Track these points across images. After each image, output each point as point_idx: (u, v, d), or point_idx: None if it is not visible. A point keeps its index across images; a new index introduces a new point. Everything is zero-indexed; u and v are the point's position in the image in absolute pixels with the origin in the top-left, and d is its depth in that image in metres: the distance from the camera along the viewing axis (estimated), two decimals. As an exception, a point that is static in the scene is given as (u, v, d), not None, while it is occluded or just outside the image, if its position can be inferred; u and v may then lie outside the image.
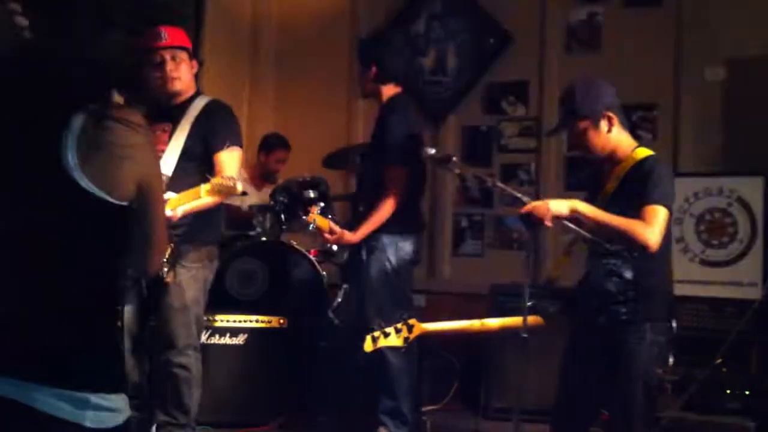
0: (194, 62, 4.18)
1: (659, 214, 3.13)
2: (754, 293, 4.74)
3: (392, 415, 4.42)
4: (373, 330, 3.38)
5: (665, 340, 3.27)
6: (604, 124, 3.34)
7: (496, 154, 6.26)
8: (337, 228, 4.38)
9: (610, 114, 3.33)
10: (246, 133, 6.37)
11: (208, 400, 4.46)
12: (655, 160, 3.27)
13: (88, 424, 1.68)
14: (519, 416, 3.31)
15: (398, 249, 4.47)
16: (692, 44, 5.66)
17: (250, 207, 5.75)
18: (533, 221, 3.21)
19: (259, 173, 6.23)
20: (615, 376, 3.22)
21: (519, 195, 3.31)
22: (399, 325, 3.37)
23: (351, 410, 4.69)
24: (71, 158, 1.66)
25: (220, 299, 4.94)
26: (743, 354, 4.64)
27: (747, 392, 4.36)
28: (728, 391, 4.35)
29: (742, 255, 5.00)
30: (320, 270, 5.27)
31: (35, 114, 1.70)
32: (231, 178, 3.50)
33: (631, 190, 3.23)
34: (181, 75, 4.06)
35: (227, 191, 3.52)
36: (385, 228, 4.44)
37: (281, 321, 4.76)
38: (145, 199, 1.79)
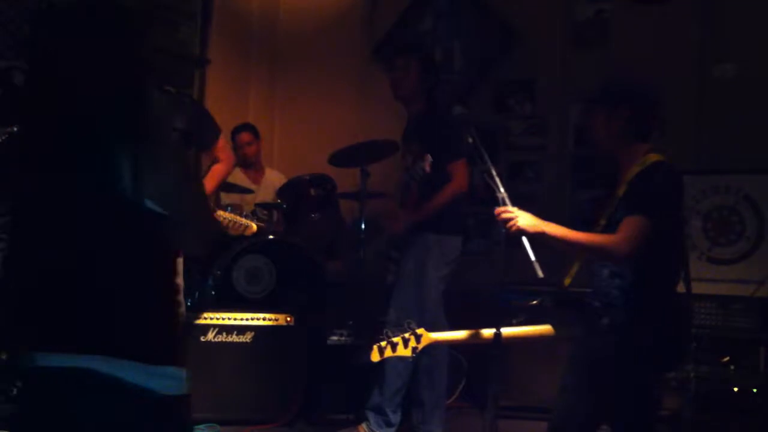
0: None
1: (633, 224, 3.12)
2: (762, 291, 4.73)
3: (376, 411, 4.46)
4: (380, 338, 3.37)
5: (671, 342, 3.26)
6: (613, 120, 3.32)
7: (503, 152, 6.26)
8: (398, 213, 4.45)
9: (626, 111, 3.29)
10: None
11: (215, 398, 4.47)
12: (657, 168, 3.24)
13: (156, 389, 1.99)
14: (496, 413, 3.29)
15: (443, 249, 4.49)
16: (701, 40, 5.64)
17: (257, 204, 5.75)
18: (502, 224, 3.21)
19: (241, 165, 6.20)
20: (619, 379, 3.22)
21: (503, 194, 3.28)
22: (407, 335, 3.35)
23: (359, 408, 4.69)
24: (127, 177, 1.95)
25: (227, 297, 4.96)
26: (751, 352, 4.62)
27: (755, 390, 4.35)
28: (736, 390, 4.34)
29: (749, 253, 4.98)
30: (326, 267, 5.27)
31: (96, 139, 1.97)
32: None
33: (632, 195, 3.23)
34: None
35: None
36: (430, 226, 4.47)
37: (288, 319, 4.77)
38: (179, 200, 2.09)
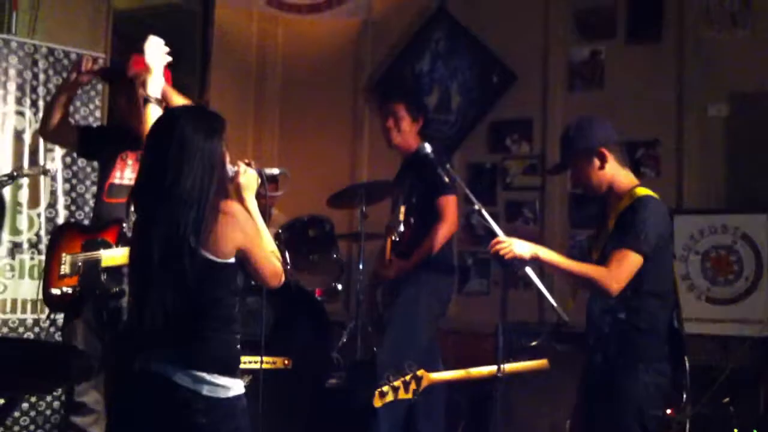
0: None
1: (625, 259, 3.16)
2: (761, 330, 4.73)
3: None
4: (381, 383, 3.37)
5: (665, 381, 3.26)
6: (597, 161, 3.35)
7: (500, 192, 6.28)
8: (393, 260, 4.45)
9: (604, 150, 3.35)
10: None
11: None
12: (644, 203, 3.27)
13: (204, 393, 2.70)
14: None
15: (435, 288, 4.49)
16: (694, 80, 5.68)
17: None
18: (498, 258, 3.22)
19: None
20: (610, 417, 3.21)
21: (494, 227, 3.29)
22: (407, 378, 3.36)
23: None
24: (191, 236, 2.67)
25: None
26: (751, 392, 4.61)
27: (755, 431, 4.33)
28: (736, 430, 4.32)
29: (748, 292, 4.98)
30: (326, 309, 5.25)
31: (172, 209, 2.72)
32: None
33: (620, 230, 3.25)
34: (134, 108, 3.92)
35: None
36: (422, 265, 4.46)
37: (286, 362, 4.74)
38: (245, 255, 2.83)
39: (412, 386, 3.36)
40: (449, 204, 4.48)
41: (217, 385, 2.72)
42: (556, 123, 6.07)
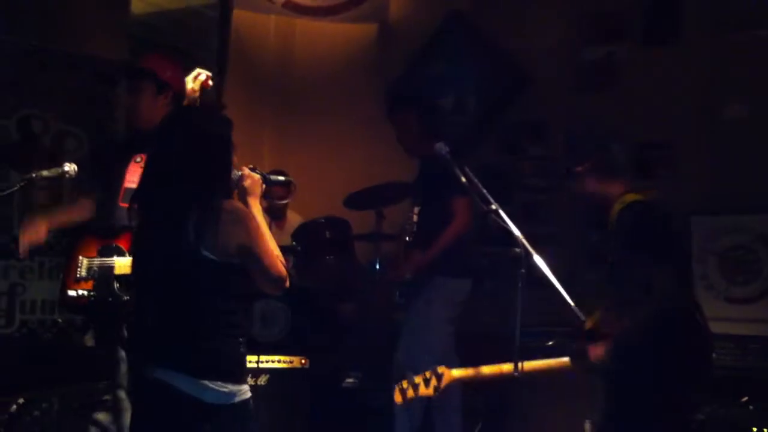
0: (167, 94, 4.00)
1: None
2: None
3: None
4: (401, 378, 3.36)
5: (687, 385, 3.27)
6: (590, 171, 3.49)
7: (515, 194, 6.27)
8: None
9: (596, 161, 3.48)
10: (268, 172, 6.45)
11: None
12: (625, 211, 3.36)
13: (207, 400, 2.65)
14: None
15: (451, 291, 4.48)
16: (710, 81, 5.66)
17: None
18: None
19: (268, 212, 6.25)
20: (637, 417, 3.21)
21: (511, 227, 3.29)
22: (427, 374, 3.34)
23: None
24: (192, 236, 2.65)
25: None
26: (769, 392, 4.58)
27: (774, 431, 4.30)
28: (755, 430, 4.29)
29: (766, 292, 4.96)
30: (342, 310, 5.27)
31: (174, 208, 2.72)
32: None
33: (616, 236, 3.31)
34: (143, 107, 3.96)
35: None
36: (438, 268, 4.46)
37: (303, 361, 4.76)
38: (247, 256, 2.74)
39: (433, 383, 3.33)
40: (463, 205, 4.49)
41: (221, 392, 2.68)
42: (571, 124, 6.07)
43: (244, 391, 2.77)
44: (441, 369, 3.35)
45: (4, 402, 3.94)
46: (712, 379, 3.40)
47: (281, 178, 3.37)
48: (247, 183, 2.99)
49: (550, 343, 3.49)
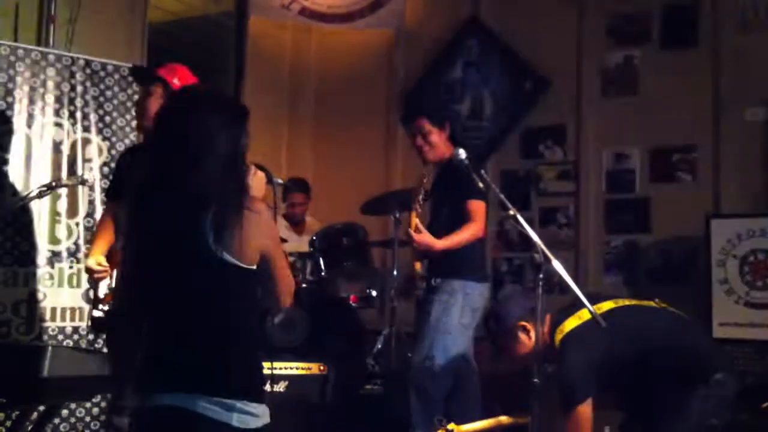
0: None
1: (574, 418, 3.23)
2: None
3: None
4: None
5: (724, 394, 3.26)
6: (523, 336, 3.46)
7: (534, 198, 6.26)
8: (423, 229, 4.41)
9: (523, 323, 3.47)
10: (285, 179, 6.47)
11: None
12: (564, 349, 3.34)
13: (234, 423, 2.29)
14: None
15: (467, 296, 4.46)
16: (731, 84, 5.63)
17: (290, 254, 5.77)
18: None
19: (286, 218, 6.28)
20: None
21: (529, 232, 3.26)
22: (439, 431, 3.38)
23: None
24: (211, 238, 2.30)
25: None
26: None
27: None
28: (777, 436, 4.25)
29: (787, 296, 4.92)
30: (360, 316, 5.27)
31: (186, 206, 2.35)
32: None
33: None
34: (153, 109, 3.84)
35: None
36: (455, 272, 4.44)
37: (321, 368, 4.76)
38: (268, 261, 2.43)
39: None
40: (479, 209, 4.46)
41: (249, 413, 2.33)
42: (590, 129, 6.06)
43: (267, 413, 2.42)
44: (451, 426, 3.39)
45: (24, 410, 3.96)
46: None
47: (280, 180, 3.24)
48: (253, 180, 2.57)
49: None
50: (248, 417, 2.33)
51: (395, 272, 5.22)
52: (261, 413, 2.37)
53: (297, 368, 4.72)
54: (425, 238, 4.36)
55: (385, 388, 5.17)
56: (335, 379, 4.81)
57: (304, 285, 5.31)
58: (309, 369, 4.73)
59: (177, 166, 2.35)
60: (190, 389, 2.29)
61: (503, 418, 3.51)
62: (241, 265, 2.34)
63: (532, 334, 3.37)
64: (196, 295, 2.35)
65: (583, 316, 3.26)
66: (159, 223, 2.37)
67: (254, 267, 2.39)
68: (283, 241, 5.82)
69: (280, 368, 4.69)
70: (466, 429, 3.43)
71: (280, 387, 4.68)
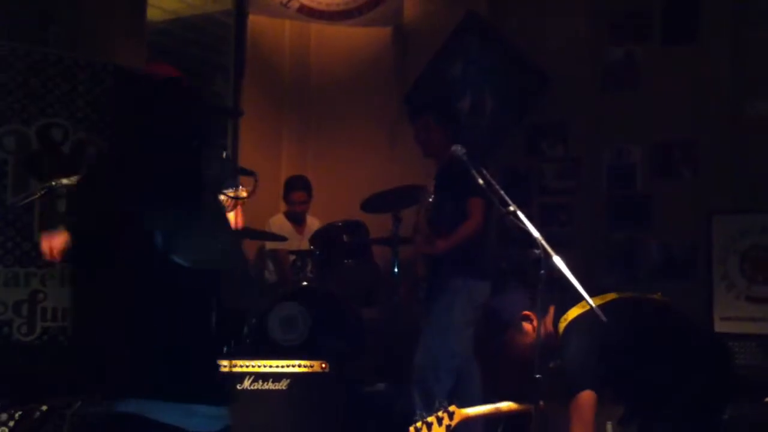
0: None
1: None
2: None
3: None
4: (415, 420, 3.39)
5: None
6: (527, 325, 3.46)
7: (536, 195, 6.25)
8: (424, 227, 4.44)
9: (527, 313, 3.46)
10: (285, 178, 6.48)
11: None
12: (564, 335, 3.34)
13: (191, 429, 2.18)
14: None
15: (470, 294, 4.47)
16: (731, 80, 5.63)
17: (291, 252, 5.78)
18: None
19: (288, 216, 6.27)
20: None
21: (530, 228, 3.24)
22: (440, 414, 3.38)
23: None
24: (160, 239, 2.15)
25: (262, 345, 4.96)
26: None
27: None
28: (779, 431, 4.25)
29: (788, 291, 4.93)
30: (362, 314, 5.27)
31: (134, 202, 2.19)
32: None
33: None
34: None
35: None
36: (458, 270, 4.45)
37: (323, 366, 4.75)
38: (224, 262, 2.31)
39: (446, 421, 3.38)
40: (477, 206, 4.48)
41: (209, 417, 2.25)
42: (592, 125, 6.05)
43: (227, 415, 2.33)
44: (452, 408, 3.39)
45: (26, 410, 3.96)
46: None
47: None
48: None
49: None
50: (209, 421, 2.25)
51: (396, 269, 5.23)
52: (220, 415, 2.29)
53: (299, 366, 4.72)
54: (425, 248, 4.43)
55: (387, 387, 5.18)
56: (337, 378, 4.81)
57: (305, 283, 5.31)
58: (311, 367, 4.73)
59: (132, 164, 2.22)
60: (148, 394, 2.19)
61: (503, 405, 3.51)
62: (193, 267, 2.21)
63: (536, 323, 3.37)
64: (148, 296, 2.22)
65: (587, 305, 3.26)
66: (110, 222, 2.21)
67: (208, 268, 2.27)
68: (284, 239, 5.85)
69: (282, 366, 4.69)
70: (467, 412, 3.43)
71: (283, 385, 4.68)
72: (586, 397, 3.19)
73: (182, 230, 2.18)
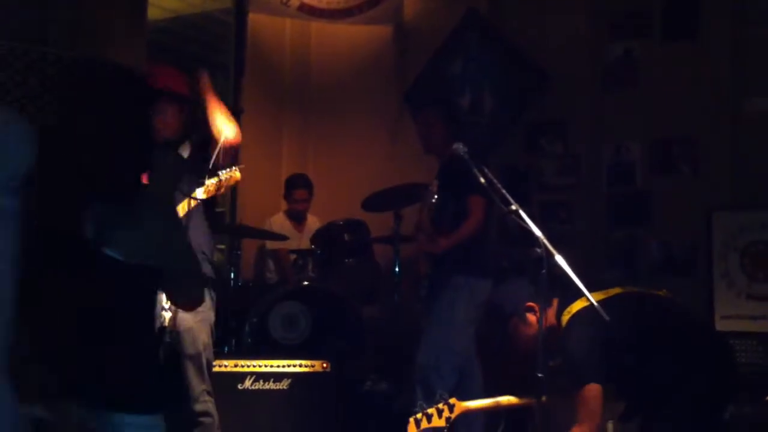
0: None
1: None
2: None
3: None
4: (415, 411, 3.39)
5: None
6: (531, 316, 3.45)
7: (535, 193, 6.25)
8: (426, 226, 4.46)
9: (531, 304, 3.45)
10: (285, 177, 6.48)
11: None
12: (567, 327, 3.34)
13: None
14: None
15: (472, 292, 4.47)
16: (731, 77, 5.63)
17: (292, 251, 5.78)
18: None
19: (289, 215, 6.28)
20: None
21: (531, 226, 3.24)
22: (440, 406, 3.38)
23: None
24: (91, 231, 2.01)
25: (263, 344, 4.97)
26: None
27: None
28: (780, 429, 4.26)
29: (788, 288, 4.93)
30: (362, 313, 5.27)
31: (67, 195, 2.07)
32: None
33: None
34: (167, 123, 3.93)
35: None
36: (458, 268, 4.46)
37: (324, 365, 4.76)
38: (166, 257, 2.16)
39: (446, 414, 3.38)
40: (477, 204, 4.48)
41: (142, 427, 2.10)
42: (591, 122, 6.05)
43: (161, 425, 2.17)
44: (453, 400, 3.39)
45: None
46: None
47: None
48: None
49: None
50: (140, 430, 2.10)
51: (397, 268, 5.24)
52: (155, 425, 2.14)
53: (300, 366, 4.73)
54: (428, 246, 4.44)
55: (388, 385, 5.18)
56: (338, 377, 4.81)
57: (306, 282, 5.32)
58: (312, 366, 4.74)
59: (73, 156, 2.09)
60: (79, 401, 2.04)
61: (504, 399, 3.52)
62: (126, 261, 2.05)
63: (539, 314, 3.37)
64: (76, 296, 2.05)
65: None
66: (40, 215, 2.01)
67: (145, 263, 2.11)
68: (285, 238, 5.86)
69: (284, 366, 4.70)
70: (467, 405, 3.44)
71: (284, 384, 4.68)
72: (592, 389, 3.18)
73: (115, 223, 2.02)
